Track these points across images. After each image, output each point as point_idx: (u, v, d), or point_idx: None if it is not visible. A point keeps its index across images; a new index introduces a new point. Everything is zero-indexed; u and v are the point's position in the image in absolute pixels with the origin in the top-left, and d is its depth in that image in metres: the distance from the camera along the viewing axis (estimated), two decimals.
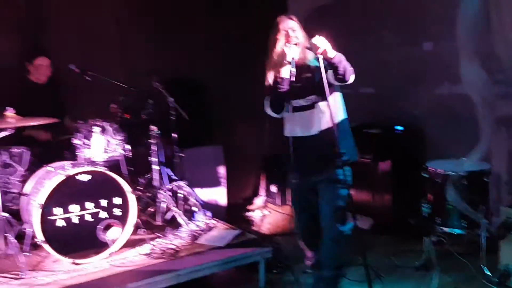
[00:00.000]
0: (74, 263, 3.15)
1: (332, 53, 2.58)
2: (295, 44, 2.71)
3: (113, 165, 3.56)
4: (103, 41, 4.46)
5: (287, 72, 2.66)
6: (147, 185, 4.10)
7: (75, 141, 3.43)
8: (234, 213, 4.77)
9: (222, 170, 4.70)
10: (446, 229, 3.36)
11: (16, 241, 3.09)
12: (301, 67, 2.74)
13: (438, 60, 4.07)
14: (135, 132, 3.85)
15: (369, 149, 4.11)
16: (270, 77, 2.82)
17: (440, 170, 3.33)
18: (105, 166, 3.40)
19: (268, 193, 5.33)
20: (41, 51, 3.94)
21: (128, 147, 3.64)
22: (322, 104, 2.74)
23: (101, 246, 3.24)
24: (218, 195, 4.66)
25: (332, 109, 2.63)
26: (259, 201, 5.38)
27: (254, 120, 5.35)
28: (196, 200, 4.04)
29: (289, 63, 2.65)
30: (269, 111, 2.87)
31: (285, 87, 2.70)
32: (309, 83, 2.75)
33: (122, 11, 4.56)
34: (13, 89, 3.88)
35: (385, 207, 4.06)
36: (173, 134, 4.02)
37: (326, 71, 2.59)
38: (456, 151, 3.75)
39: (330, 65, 2.62)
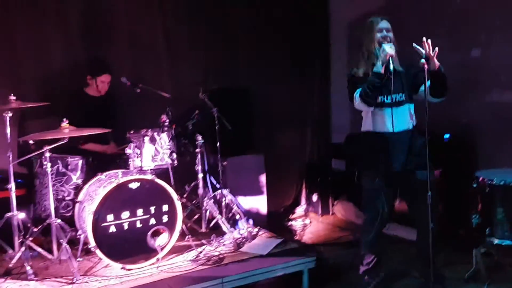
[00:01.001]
0: (124, 268, 3.24)
1: (437, 63, 2.75)
2: (391, 43, 2.86)
3: (160, 173, 3.65)
4: (151, 53, 4.60)
5: (382, 68, 2.82)
6: (192, 193, 4.18)
7: (127, 151, 3.56)
8: (274, 222, 4.77)
9: (263, 179, 4.73)
10: (496, 241, 3.26)
11: (68, 246, 3.21)
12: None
13: (487, 67, 3.98)
14: (181, 142, 3.94)
15: None
16: (361, 73, 2.99)
17: (489, 179, 3.24)
18: (153, 174, 3.50)
19: (309, 202, 5.32)
20: (106, 67, 4.04)
21: (175, 155, 3.73)
22: (411, 106, 3.01)
23: (150, 251, 3.33)
24: (259, 203, 4.69)
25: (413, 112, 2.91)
26: (300, 210, 5.39)
27: (295, 129, 5.41)
28: (239, 208, 4.09)
29: (387, 60, 2.79)
30: (361, 105, 2.96)
31: (380, 82, 2.84)
32: (397, 82, 2.90)
33: (170, 24, 4.68)
34: (69, 101, 4.03)
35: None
36: (216, 143, 4.09)
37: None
38: (507, 159, 3.64)
39: (432, 74, 2.77)
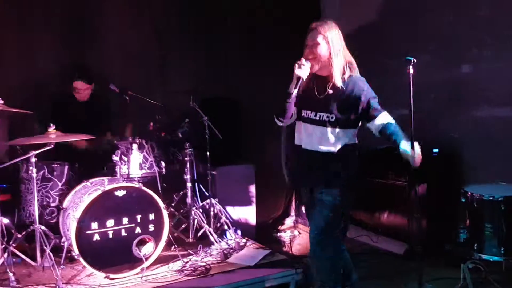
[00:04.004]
0: (107, 277, 3.20)
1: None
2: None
3: (148, 181, 3.62)
4: (142, 60, 4.58)
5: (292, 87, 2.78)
6: (180, 202, 4.15)
7: (114, 158, 3.52)
8: (263, 233, 4.74)
9: (253, 189, 4.70)
10: (483, 256, 3.25)
11: (52, 254, 3.16)
12: (323, 83, 2.77)
13: (476, 83, 4.01)
14: (170, 150, 3.91)
15: (405, 172, 4.04)
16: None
17: (478, 194, 3.24)
18: (141, 182, 3.47)
19: (299, 213, 5.30)
20: (79, 74, 4.00)
21: (163, 164, 3.70)
22: (331, 128, 2.69)
23: (135, 261, 3.29)
24: (248, 213, 4.66)
25: (337, 135, 2.67)
26: (289, 221, 5.35)
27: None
28: (227, 218, 4.06)
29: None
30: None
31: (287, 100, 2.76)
32: (327, 100, 2.72)
33: (161, 31, 4.68)
34: (57, 105, 4.02)
35: (420, 232, 3.96)
36: (206, 152, 4.07)
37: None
38: (494, 175, 3.65)
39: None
